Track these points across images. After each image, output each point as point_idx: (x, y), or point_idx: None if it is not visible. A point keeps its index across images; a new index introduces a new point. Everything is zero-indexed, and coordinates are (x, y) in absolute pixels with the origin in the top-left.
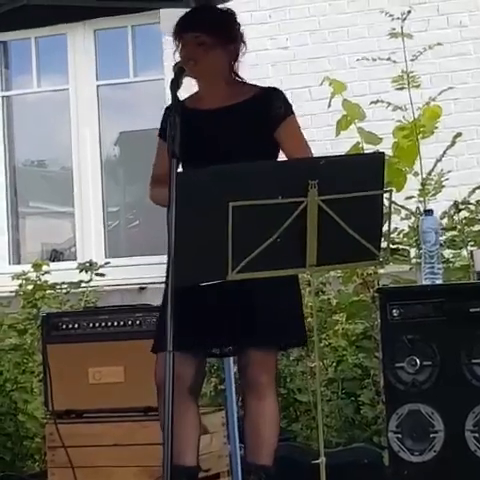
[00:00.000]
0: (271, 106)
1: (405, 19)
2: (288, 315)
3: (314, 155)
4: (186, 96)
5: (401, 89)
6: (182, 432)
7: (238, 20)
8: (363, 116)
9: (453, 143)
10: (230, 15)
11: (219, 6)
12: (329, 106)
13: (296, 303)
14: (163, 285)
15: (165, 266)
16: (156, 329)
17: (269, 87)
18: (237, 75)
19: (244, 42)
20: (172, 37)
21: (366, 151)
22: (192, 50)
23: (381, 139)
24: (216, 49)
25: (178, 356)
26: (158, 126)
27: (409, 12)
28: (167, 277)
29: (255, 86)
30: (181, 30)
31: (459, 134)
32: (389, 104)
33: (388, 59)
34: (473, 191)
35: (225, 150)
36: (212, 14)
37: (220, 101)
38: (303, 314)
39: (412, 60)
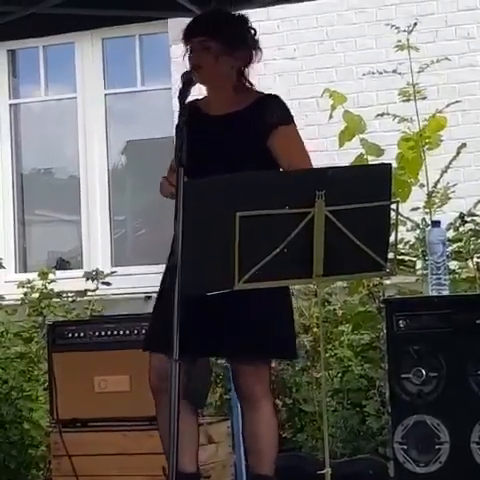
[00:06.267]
0: (263, 114)
1: (411, 31)
2: (280, 329)
3: (318, 166)
4: (200, 97)
5: (407, 101)
6: (179, 438)
7: (251, 26)
8: (364, 128)
9: (458, 154)
10: (240, 20)
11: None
12: (330, 117)
13: (288, 318)
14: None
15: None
16: (148, 328)
17: (268, 94)
18: (247, 81)
19: (258, 48)
20: (182, 41)
21: (370, 162)
22: (199, 56)
23: (383, 150)
24: (222, 55)
25: (168, 360)
26: (165, 135)
27: (415, 24)
28: (163, 282)
29: (258, 93)
30: (189, 34)
31: (464, 145)
32: (395, 116)
33: (394, 71)
34: (478, 202)
35: (226, 157)
36: (220, 18)
37: (225, 107)
38: (294, 328)
39: (418, 72)
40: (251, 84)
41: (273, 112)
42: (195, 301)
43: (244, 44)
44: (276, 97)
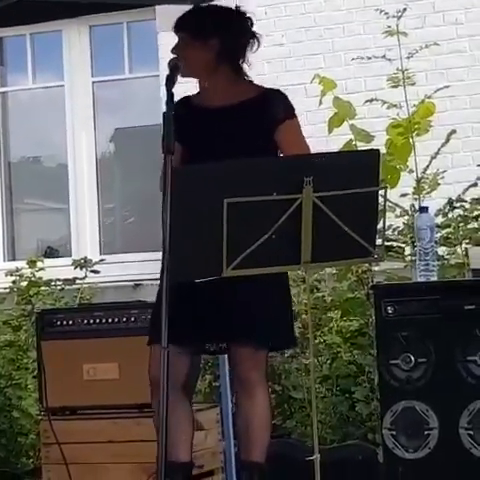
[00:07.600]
0: (270, 108)
1: (400, 17)
2: (277, 316)
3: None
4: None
5: (396, 87)
6: (175, 428)
7: (236, 14)
8: (354, 114)
9: (447, 140)
10: (213, 10)
11: (214, 4)
12: (320, 104)
13: (286, 305)
14: (158, 282)
15: (160, 262)
16: (150, 322)
17: (272, 88)
18: (244, 74)
19: (238, 37)
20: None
21: (359, 148)
22: (179, 49)
23: (373, 137)
24: (194, 47)
25: (171, 351)
26: (153, 122)
27: (404, 10)
28: (162, 273)
29: (259, 87)
30: (174, 31)
31: (454, 131)
32: (384, 102)
33: (383, 57)
34: (467, 189)
35: (224, 148)
36: (196, 12)
37: (222, 99)
38: (292, 316)
39: (407, 58)
40: (248, 76)
41: (280, 106)
42: (192, 291)
43: (216, 33)
44: (280, 91)
